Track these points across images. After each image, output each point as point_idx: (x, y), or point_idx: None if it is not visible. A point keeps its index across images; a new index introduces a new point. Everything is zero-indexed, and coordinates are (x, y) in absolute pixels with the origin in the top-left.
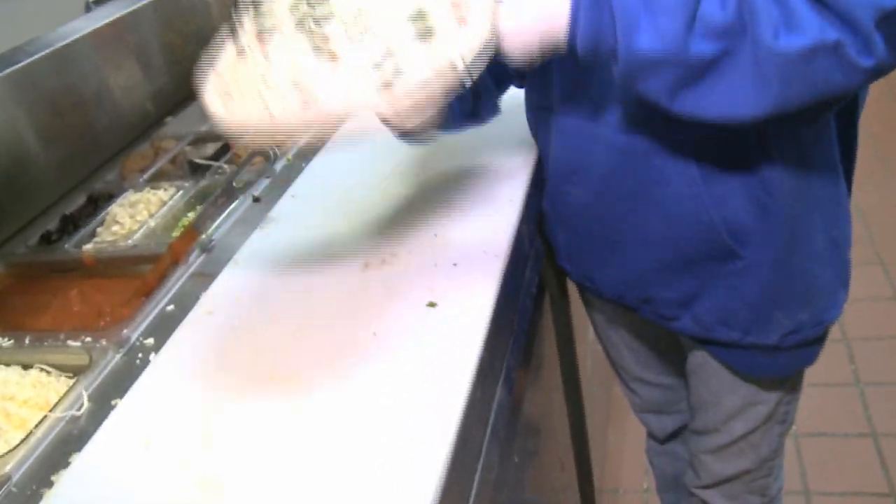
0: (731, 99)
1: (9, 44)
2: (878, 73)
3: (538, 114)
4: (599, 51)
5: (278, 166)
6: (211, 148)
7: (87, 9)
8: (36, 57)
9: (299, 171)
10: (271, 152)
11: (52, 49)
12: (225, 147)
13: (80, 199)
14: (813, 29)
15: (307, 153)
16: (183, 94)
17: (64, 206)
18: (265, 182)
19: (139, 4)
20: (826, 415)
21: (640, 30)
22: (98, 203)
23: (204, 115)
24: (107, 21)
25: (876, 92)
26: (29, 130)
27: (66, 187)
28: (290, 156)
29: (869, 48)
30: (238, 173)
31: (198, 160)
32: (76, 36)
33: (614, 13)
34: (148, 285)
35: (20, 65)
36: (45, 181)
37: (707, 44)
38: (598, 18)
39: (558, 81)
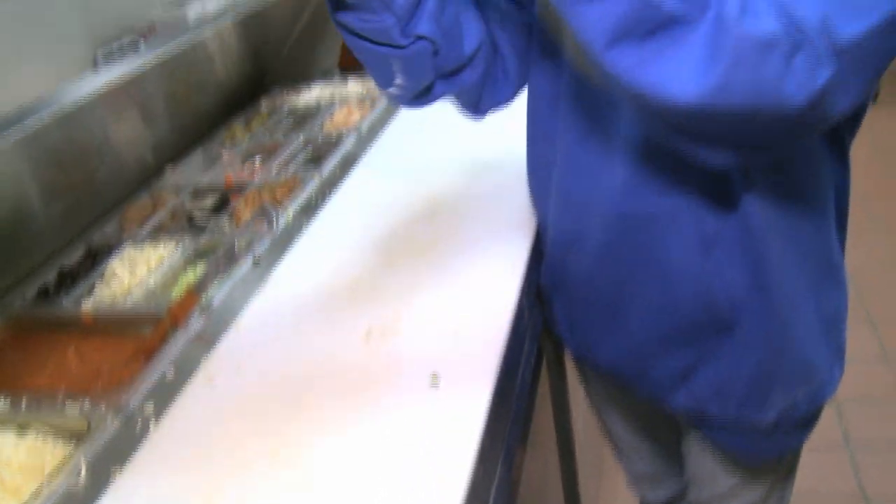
0: (674, 70)
1: (16, 98)
2: (826, 104)
3: (540, 175)
4: None
5: (279, 227)
6: (210, 199)
7: (95, 64)
8: (45, 120)
9: (300, 231)
10: (273, 213)
11: (60, 111)
12: (224, 199)
13: (78, 252)
14: (777, 23)
15: (308, 212)
16: (183, 143)
17: (62, 258)
18: (266, 242)
19: (148, 62)
20: (816, 476)
21: None
22: (97, 257)
23: (203, 167)
24: (115, 81)
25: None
26: (32, 184)
27: (65, 238)
28: (290, 216)
29: (820, 70)
30: (238, 236)
31: (197, 215)
32: (84, 97)
33: None
34: (147, 348)
35: (29, 128)
36: (44, 232)
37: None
38: None
39: (562, 140)
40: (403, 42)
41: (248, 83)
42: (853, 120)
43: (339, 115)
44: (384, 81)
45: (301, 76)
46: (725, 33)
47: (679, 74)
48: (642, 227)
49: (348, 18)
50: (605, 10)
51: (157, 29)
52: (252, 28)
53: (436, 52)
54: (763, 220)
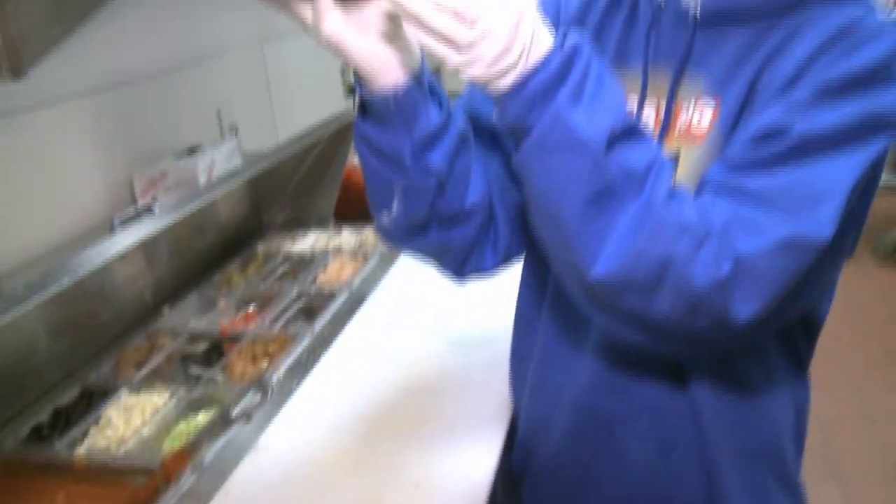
0: (595, 240)
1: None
2: (727, 298)
3: (518, 365)
4: (534, 95)
5: (270, 386)
6: (204, 346)
7: (112, 228)
8: (66, 285)
9: (290, 392)
10: (266, 381)
11: (80, 276)
12: (218, 347)
13: (73, 391)
14: (695, 214)
15: (299, 372)
16: (181, 284)
17: (57, 396)
18: (256, 399)
19: (161, 226)
20: None
21: (581, 109)
22: (92, 398)
23: (199, 309)
24: (131, 245)
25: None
26: (39, 327)
27: (61, 375)
28: (282, 375)
29: (723, 263)
30: (231, 392)
31: (192, 363)
32: (102, 263)
33: (572, 78)
34: (138, 500)
35: (52, 293)
36: (40, 368)
37: (616, 171)
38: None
39: (542, 332)
40: (411, 167)
41: (247, 226)
42: (807, 337)
43: (333, 268)
44: (380, 203)
45: (298, 221)
46: (651, 217)
47: (600, 245)
48: (605, 424)
49: (369, 129)
50: (565, 164)
51: (168, 176)
52: (256, 178)
53: (439, 190)
54: (718, 428)
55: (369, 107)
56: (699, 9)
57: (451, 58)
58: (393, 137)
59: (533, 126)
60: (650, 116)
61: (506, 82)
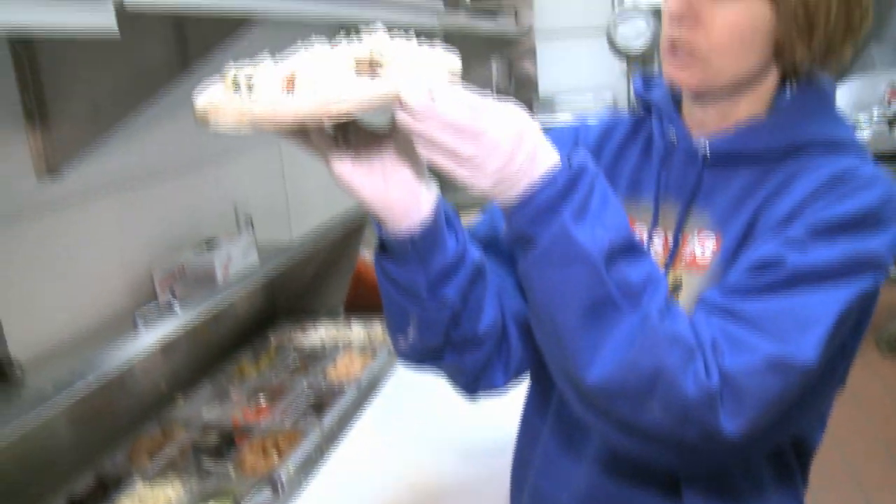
0: (591, 348)
1: (60, 345)
2: (715, 411)
3: (518, 474)
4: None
5: (280, 483)
6: (216, 437)
7: (135, 325)
8: (92, 386)
9: (299, 488)
10: (276, 479)
11: (106, 375)
12: (230, 439)
13: (88, 479)
14: (687, 329)
15: (308, 468)
16: (195, 373)
17: (72, 485)
18: (267, 495)
19: (182, 325)
20: None
21: (584, 225)
22: (107, 488)
23: (212, 400)
24: (155, 344)
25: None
26: (59, 419)
27: (75, 463)
28: (291, 471)
29: (712, 376)
30: (243, 487)
31: (204, 453)
32: (126, 362)
33: (577, 194)
34: None
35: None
36: (55, 457)
37: (614, 284)
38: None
39: (545, 440)
40: (427, 300)
41: (260, 317)
42: (800, 462)
43: (342, 363)
44: (397, 328)
45: (309, 311)
46: (646, 329)
47: (595, 353)
48: None
49: (386, 263)
50: (567, 275)
51: (186, 271)
52: (270, 266)
53: (453, 321)
54: None
55: (387, 244)
56: (709, 150)
57: (457, 172)
58: (409, 272)
59: (538, 238)
60: (658, 245)
61: (512, 195)
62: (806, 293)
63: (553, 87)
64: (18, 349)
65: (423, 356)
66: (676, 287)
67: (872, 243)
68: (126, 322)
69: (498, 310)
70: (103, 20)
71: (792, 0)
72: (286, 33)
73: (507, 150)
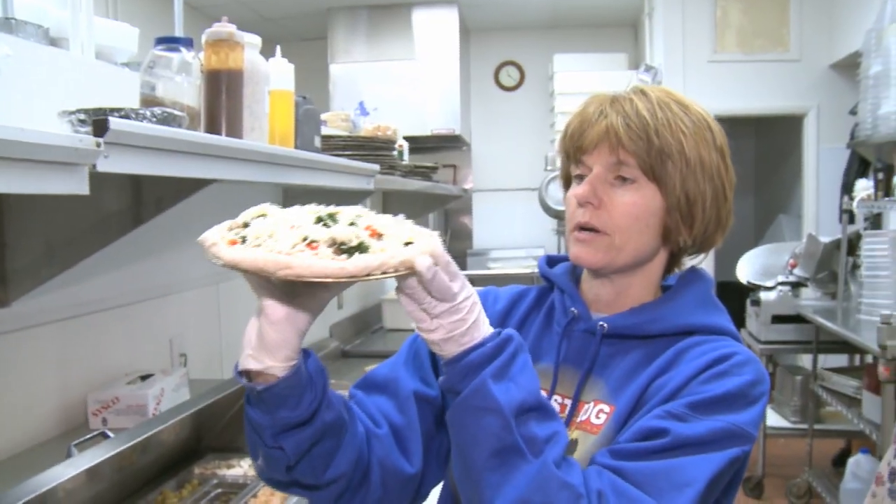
0: (497, 482)
1: None
2: None
3: None
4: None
5: None
6: None
7: (69, 454)
8: None
9: None
10: None
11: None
12: None
13: None
14: (578, 478)
15: None
16: (118, 498)
17: None
18: None
19: (116, 451)
20: None
21: (501, 383)
22: None
23: None
24: (85, 471)
25: None
26: None
27: None
28: None
29: None
30: None
31: None
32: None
33: (501, 359)
34: None
35: None
36: None
37: (519, 435)
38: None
39: None
40: (269, 444)
41: (186, 448)
42: None
43: (262, 495)
44: (252, 451)
45: (234, 446)
46: (543, 474)
47: (497, 490)
48: None
49: (247, 398)
50: (482, 422)
51: (120, 401)
52: (199, 402)
53: (294, 467)
54: None
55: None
56: (607, 328)
57: (423, 323)
58: (257, 415)
59: (463, 388)
60: (556, 407)
61: (453, 350)
62: (683, 459)
63: (488, 241)
64: None
65: (274, 484)
66: (573, 445)
67: (742, 418)
68: (58, 444)
69: (352, 460)
70: (77, 185)
71: (676, 191)
72: (236, 194)
73: (464, 314)
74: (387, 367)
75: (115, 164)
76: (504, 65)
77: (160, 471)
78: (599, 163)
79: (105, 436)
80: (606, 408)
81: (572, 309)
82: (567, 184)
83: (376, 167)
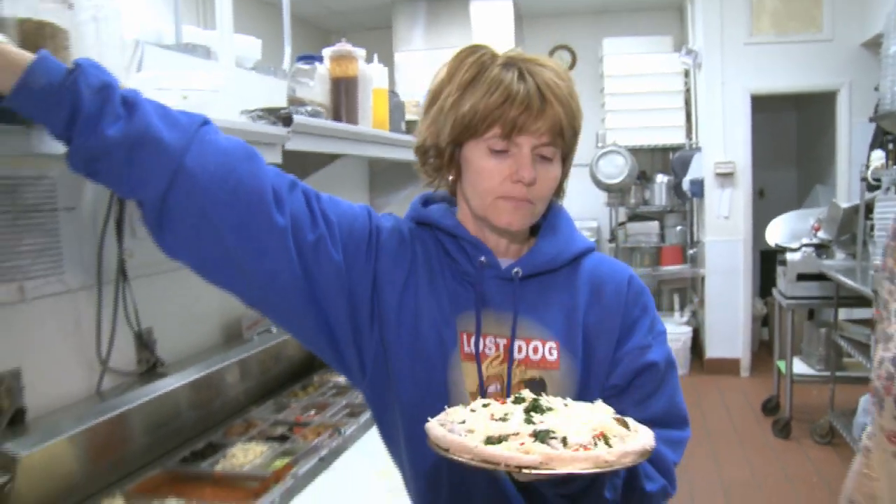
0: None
1: None
2: None
3: None
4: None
5: (343, 435)
6: (282, 429)
7: (243, 339)
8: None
9: (338, 455)
10: (337, 433)
11: (223, 376)
12: (291, 428)
13: (202, 444)
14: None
15: (347, 445)
16: (262, 393)
17: (192, 446)
18: (326, 450)
19: (269, 345)
20: None
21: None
22: (215, 447)
23: (274, 409)
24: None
25: None
26: (183, 401)
27: (199, 432)
28: (333, 445)
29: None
30: (308, 446)
31: (276, 434)
32: (222, 369)
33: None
34: (256, 492)
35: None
36: (180, 430)
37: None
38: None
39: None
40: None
41: (307, 361)
42: None
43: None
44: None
45: None
46: None
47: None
48: None
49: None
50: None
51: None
52: None
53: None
54: None
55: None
56: (521, 272)
57: None
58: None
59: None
60: (491, 349)
61: None
62: (667, 382)
63: None
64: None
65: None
66: (542, 383)
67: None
68: (222, 353)
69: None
70: (274, 157)
71: (567, 164)
72: (339, 168)
73: None
74: (345, 212)
75: (294, 144)
76: (557, 49)
77: (290, 377)
78: (530, 144)
79: (269, 332)
80: (552, 343)
81: (482, 259)
82: (467, 137)
83: None
